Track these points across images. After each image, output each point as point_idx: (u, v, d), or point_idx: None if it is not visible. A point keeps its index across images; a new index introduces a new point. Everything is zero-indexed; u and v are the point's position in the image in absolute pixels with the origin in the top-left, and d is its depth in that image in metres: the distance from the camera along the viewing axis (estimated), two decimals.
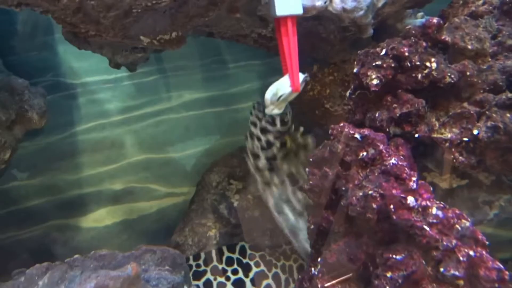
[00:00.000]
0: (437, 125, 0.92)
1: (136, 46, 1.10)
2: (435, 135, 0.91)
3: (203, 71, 1.58)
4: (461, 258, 0.73)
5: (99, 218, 1.54)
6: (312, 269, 0.93)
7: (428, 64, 0.91)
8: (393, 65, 0.93)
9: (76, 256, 1.01)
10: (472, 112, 0.88)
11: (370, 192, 0.82)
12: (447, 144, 0.89)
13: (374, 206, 0.81)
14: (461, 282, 0.72)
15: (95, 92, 1.53)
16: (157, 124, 1.56)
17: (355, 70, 0.99)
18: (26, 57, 1.49)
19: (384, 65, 0.94)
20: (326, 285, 0.88)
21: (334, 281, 0.87)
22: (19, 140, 1.25)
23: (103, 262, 0.96)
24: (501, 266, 0.71)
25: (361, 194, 0.83)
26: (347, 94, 1.04)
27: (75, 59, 1.50)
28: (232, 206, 1.39)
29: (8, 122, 1.18)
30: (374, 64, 0.95)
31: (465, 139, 0.88)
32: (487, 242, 0.75)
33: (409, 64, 0.92)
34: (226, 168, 1.46)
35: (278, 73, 1.64)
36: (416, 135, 0.93)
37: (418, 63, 0.92)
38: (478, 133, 0.86)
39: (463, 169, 0.90)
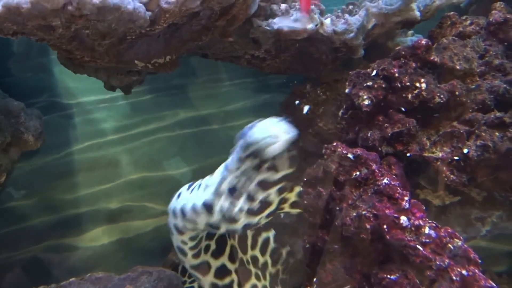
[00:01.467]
0: (428, 144, 0.93)
1: (131, 70, 1.11)
2: (426, 154, 0.92)
3: (197, 89, 1.60)
4: (454, 278, 0.73)
5: (95, 238, 1.53)
6: None
7: (418, 84, 0.93)
8: (383, 85, 0.95)
9: (72, 279, 1.01)
10: (462, 131, 0.90)
11: (363, 212, 0.83)
12: (439, 163, 0.90)
13: (368, 226, 0.81)
14: None
15: (90, 112, 1.54)
16: (153, 142, 1.56)
17: (347, 91, 1.00)
18: (22, 78, 1.50)
19: (375, 86, 0.95)
20: None
21: None
22: (14, 162, 1.26)
23: (99, 286, 0.96)
24: (494, 284, 0.72)
25: (354, 214, 0.84)
26: (340, 113, 1.06)
27: (70, 80, 1.51)
28: None
29: (4, 145, 1.18)
30: (365, 84, 0.96)
31: (456, 157, 0.89)
32: (479, 261, 0.76)
33: (399, 85, 0.94)
34: None
35: (272, 90, 1.66)
36: (408, 154, 0.94)
37: (408, 83, 0.93)
38: (468, 152, 0.88)
39: (455, 187, 0.91)
